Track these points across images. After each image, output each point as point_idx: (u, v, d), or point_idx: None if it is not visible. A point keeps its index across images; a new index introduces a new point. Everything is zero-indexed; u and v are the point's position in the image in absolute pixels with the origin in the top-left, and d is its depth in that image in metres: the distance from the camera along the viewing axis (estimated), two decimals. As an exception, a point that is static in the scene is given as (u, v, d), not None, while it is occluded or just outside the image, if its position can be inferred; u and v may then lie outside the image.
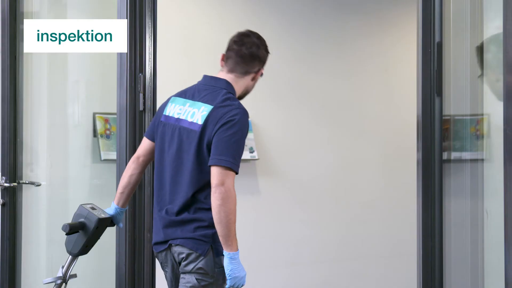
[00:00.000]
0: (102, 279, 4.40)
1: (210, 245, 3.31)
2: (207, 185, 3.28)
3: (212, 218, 3.25)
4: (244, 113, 3.32)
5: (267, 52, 3.53)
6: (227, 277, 3.26)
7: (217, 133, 3.26)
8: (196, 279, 3.30)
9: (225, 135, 3.25)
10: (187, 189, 3.31)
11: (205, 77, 3.53)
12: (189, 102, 3.43)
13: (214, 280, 3.31)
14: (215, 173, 3.21)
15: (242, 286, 3.27)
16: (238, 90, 3.48)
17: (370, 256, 6.30)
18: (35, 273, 4.63)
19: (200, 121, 3.33)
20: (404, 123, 6.14)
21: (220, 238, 3.23)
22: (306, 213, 6.06)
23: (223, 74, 3.49)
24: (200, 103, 3.39)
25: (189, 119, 3.37)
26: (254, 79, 3.50)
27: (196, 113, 3.37)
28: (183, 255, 3.32)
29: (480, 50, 3.29)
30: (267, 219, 5.91)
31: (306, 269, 6.06)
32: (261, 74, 3.52)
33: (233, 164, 3.21)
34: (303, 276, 6.05)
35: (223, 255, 3.28)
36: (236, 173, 3.24)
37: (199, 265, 3.30)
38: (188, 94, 3.50)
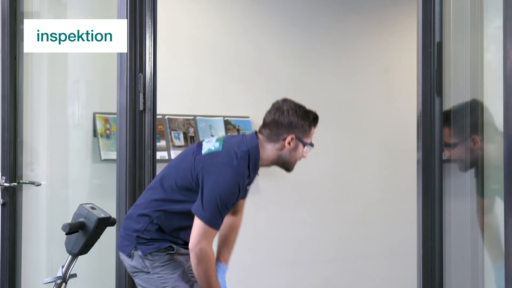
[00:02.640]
0: (102, 279, 4.40)
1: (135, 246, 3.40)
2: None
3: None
4: (230, 168, 3.26)
5: (299, 118, 3.41)
6: None
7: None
8: None
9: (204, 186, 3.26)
10: None
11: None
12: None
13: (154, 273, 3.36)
14: (195, 226, 3.26)
15: None
16: (265, 154, 3.40)
17: (371, 256, 6.30)
18: (35, 272, 4.63)
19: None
20: (404, 122, 6.14)
21: None
22: (306, 213, 6.06)
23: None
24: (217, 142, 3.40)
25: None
26: (287, 148, 3.40)
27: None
28: None
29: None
30: (268, 219, 5.90)
31: (306, 269, 6.06)
32: (309, 144, 3.41)
33: (212, 221, 3.23)
34: (304, 276, 6.04)
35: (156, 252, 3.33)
36: (216, 229, 3.24)
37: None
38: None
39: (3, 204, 4.56)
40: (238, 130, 5.51)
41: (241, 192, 3.27)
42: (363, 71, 6.37)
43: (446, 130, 3.30)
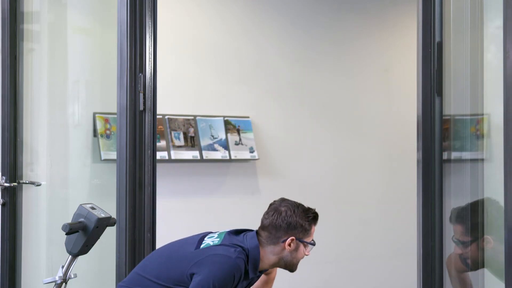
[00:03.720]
0: (102, 279, 4.40)
1: None
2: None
3: None
4: (226, 258, 3.20)
5: (298, 218, 3.39)
6: None
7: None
8: None
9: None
10: None
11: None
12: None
13: None
14: None
15: None
16: (265, 257, 3.35)
17: (371, 256, 6.30)
18: (35, 272, 4.63)
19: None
20: (404, 122, 6.14)
21: None
22: (306, 213, 6.05)
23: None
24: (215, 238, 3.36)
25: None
26: (288, 249, 3.35)
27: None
28: None
29: None
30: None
31: (307, 269, 6.06)
32: (310, 243, 3.37)
33: None
34: (304, 276, 6.04)
35: None
36: None
37: None
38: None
39: (3, 204, 4.56)
40: (238, 130, 5.51)
41: (236, 284, 3.18)
42: (363, 71, 6.37)
43: (459, 227, 3.29)
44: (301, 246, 3.34)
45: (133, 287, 3.38)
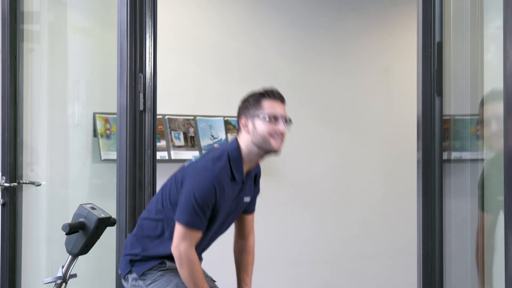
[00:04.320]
0: (102, 279, 4.40)
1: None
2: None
3: None
4: (204, 170, 3.24)
5: (245, 100, 3.38)
6: None
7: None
8: None
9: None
10: None
11: None
12: None
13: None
14: (175, 230, 3.29)
15: None
16: (243, 152, 3.34)
17: (371, 256, 6.30)
18: (35, 272, 4.63)
19: None
20: (404, 123, 6.14)
21: None
22: (307, 214, 6.06)
23: None
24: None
25: None
26: (247, 131, 3.32)
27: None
28: None
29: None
30: (268, 219, 5.90)
31: (307, 269, 6.06)
32: (264, 116, 3.29)
33: (190, 223, 3.23)
34: (305, 276, 6.04)
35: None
36: (195, 230, 3.24)
37: None
38: None
39: (3, 204, 4.56)
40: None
41: (219, 194, 3.22)
42: (363, 71, 6.37)
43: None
44: (256, 121, 3.28)
45: (136, 229, 3.49)
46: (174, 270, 3.35)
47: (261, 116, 3.27)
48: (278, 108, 3.31)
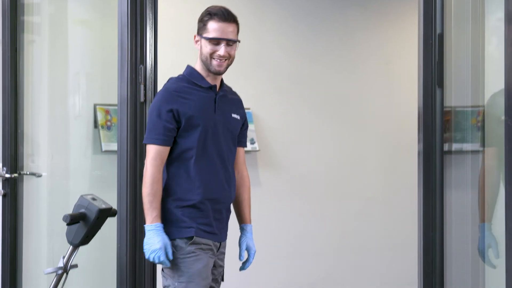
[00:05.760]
0: (103, 270, 4.41)
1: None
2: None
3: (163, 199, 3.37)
4: (158, 93, 3.40)
5: (198, 20, 3.47)
6: None
7: None
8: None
9: None
10: None
11: None
12: None
13: (173, 265, 3.32)
14: None
15: (159, 261, 3.24)
16: (198, 61, 3.47)
17: (371, 248, 6.30)
18: (36, 263, 4.64)
19: None
20: (405, 115, 6.14)
21: None
22: (307, 206, 6.06)
23: None
24: None
25: None
26: (198, 48, 3.45)
27: None
28: None
29: None
30: (268, 211, 5.91)
31: (306, 261, 6.07)
32: (208, 38, 3.37)
33: (146, 138, 3.35)
34: (304, 268, 6.05)
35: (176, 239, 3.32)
36: (155, 144, 3.31)
37: None
38: None
39: (4, 195, 4.56)
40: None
41: (179, 101, 3.32)
42: (364, 64, 6.37)
43: None
44: (202, 41, 3.40)
45: None
46: (204, 252, 3.33)
47: (204, 36, 3.38)
48: (223, 30, 3.37)
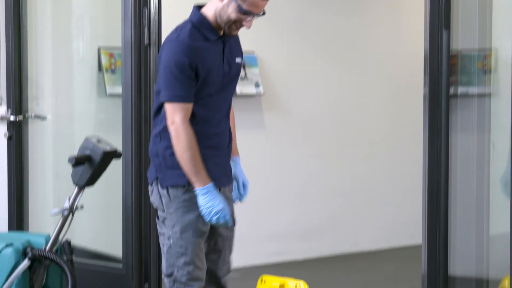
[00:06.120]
0: (109, 212, 4.44)
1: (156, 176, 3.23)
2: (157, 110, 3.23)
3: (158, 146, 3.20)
4: (173, 44, 3.15)
5: None
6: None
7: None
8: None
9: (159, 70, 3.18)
10: None
11: None
12: None
13: (168, 214, 3.19)
14: (165, 111, 3.15)
15: (224, 220, 3.11)
16: (211, 9, 3.20)
17: (376, 190, 6.31)
18: (42, 204, 4.66)
19: None
20: (411, 57, 6.10)
21: None
22: (312, 149, 6.06)
23: None
24: None
25: None
26: (221, 3, 3.16)
27: None
28: None
29: None
30: (273, 153, 5.91)
31: (313, 202, 6.09)
32: (244, 10, 3.13)
33: (172, 96, 3.10)
34: (310, 211, 6.07)
35: (173, 187, 3.18)
36: (183, 102, 3.10)
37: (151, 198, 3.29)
38: None
39: (9, 138, 4.57)
40: (243, 65, 5.47)
41: (195, 55, 3.10)
42: (370, 5, 6.31)
43: None
44: (232, 4, 3.12)
45: None
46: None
47: (239, 4, 3.13)
48: (259, 7, 3.16)
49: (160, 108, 3.18)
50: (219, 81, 3.21)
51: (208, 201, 3.09)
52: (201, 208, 3.10)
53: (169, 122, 3.10)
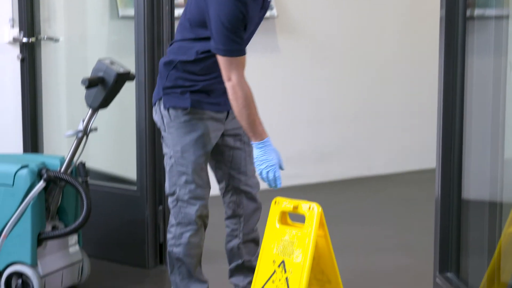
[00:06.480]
0: (123, 134, 4.44)
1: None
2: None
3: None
4: None
5: None
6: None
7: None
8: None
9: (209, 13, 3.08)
10: None
11: None
12: None
13: (169, 134, 3.23)
14: (220, 63, 3.11)
15: (273, 176, 3.13)
16: None
17: (390, 114, 6.30)
18: (57, 126, 4.67)
19: None
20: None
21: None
22: (325, 71, 6.03)
23: None
24: None
25: None
26: None
27: None
28: None
29: None
30: (287, 77, 5.89)
31: (325, 127, 6.09)
32: None
33: (230, 51, 3.06)
34: (324, 134, 6.08)
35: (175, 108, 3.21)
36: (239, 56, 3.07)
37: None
38: None
39: (22, 60, 4.55)
40: None
41: (245, 12, 3.04)
42: None
43: None
44: None
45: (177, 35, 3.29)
46: (207, 121, 3.24)
47: None
48: None
49: (190, 39, 3.16)
50: (253, 26, 3.20)
51: (263, 154, 3.14)
52: (254, 159, 3.15)
53: (225, 77, 3.10)
